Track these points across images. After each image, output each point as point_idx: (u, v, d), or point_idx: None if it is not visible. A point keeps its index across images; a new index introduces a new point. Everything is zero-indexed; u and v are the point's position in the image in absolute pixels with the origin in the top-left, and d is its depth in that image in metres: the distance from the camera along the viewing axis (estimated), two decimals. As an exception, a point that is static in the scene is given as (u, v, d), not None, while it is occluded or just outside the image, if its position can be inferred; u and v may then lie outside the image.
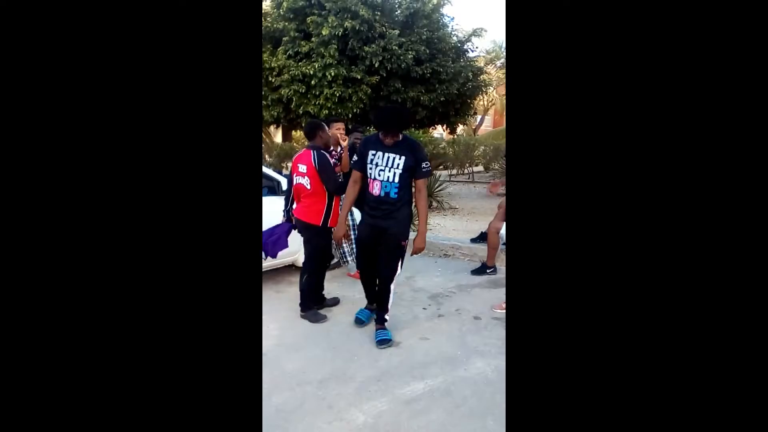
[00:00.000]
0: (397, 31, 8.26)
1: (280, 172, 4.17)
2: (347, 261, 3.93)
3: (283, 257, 3.61)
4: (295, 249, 3.41)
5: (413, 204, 2.65)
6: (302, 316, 2.93)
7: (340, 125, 3.84)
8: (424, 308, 3.14)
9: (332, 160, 3.69)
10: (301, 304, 2.97)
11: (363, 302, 3.24)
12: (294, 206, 2.98)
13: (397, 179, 2.48)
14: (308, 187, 2.81)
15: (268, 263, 3.58)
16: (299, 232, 2.97)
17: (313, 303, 3.01)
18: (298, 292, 2.99)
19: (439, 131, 15.67)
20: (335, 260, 3.94)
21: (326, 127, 2.98)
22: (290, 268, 3.92)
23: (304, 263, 3.04)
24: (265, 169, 3.73)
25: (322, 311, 3.01)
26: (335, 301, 3.21)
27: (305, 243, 2.99)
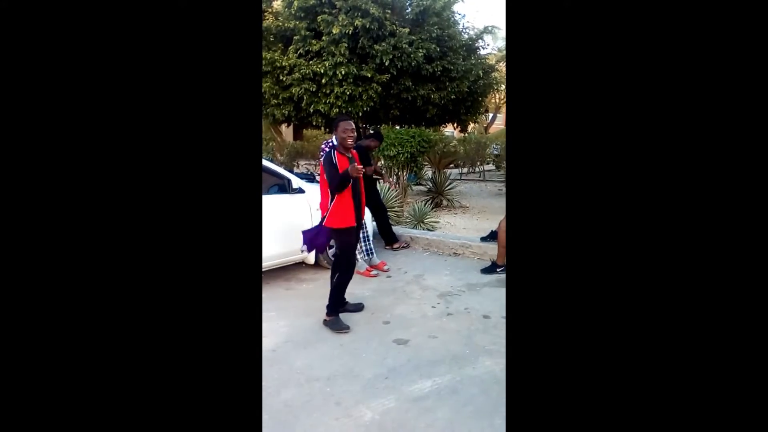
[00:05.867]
0: (407, 29, 8.23)
1: (291, 171, 4.20)
2: (357, 259, 3.97)
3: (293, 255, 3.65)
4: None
5: None
6: (324, 322, 2.78)
7: (347, 125, 3.70)
8: (433, 306, 3.14)
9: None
10: (327, 306, 2.79)
11: (371, 301, 3.26)
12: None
13: None
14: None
15: (277, 260, 3.61)
16: None
17: (339, 306, 2.85)
18: (308, 290, 2.97)
19: (450, 129, 15.61)
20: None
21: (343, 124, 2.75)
22: (300, 265, 3.96)
23: (333, 262, 2.94)
24: (275, 167, 3.76)
25: (344, 320, 2.83)
26: (359, 307, 3.05)
27: (335, 240, 2.87)
